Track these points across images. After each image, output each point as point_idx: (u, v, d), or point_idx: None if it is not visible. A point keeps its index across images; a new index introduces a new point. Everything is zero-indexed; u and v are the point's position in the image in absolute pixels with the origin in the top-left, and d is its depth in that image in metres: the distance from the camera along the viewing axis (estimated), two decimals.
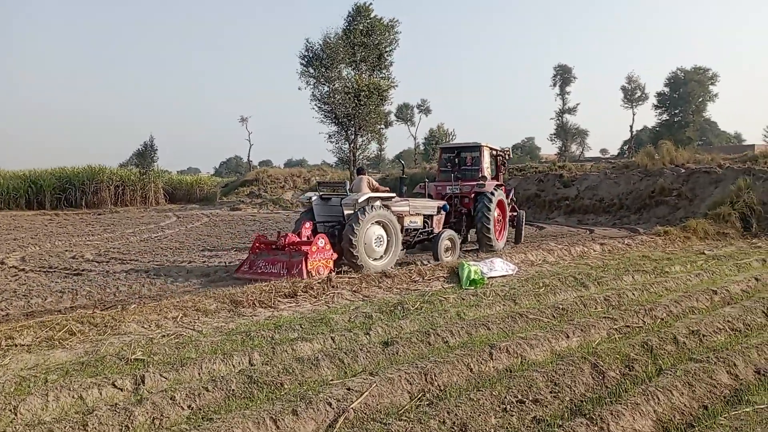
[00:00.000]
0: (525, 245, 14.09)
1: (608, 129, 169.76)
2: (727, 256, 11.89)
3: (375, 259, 10.68)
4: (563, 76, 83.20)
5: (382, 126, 54.49)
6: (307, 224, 10.64)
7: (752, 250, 12.94)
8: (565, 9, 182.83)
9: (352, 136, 38.51)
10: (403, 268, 9.77)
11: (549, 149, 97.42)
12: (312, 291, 8.10)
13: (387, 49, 38.84)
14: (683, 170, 22.76)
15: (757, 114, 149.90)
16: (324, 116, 37.70)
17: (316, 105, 37.67)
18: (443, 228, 12.73)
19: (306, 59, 36.80)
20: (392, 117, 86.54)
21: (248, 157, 69.81)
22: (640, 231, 19.06)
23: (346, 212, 10.61)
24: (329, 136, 38.73)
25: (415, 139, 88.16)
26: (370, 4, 38.18)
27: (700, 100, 71.03)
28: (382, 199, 11.01)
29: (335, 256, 10.27)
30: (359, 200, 10.52)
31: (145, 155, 39.28)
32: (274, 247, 10.35)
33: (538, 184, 27.21)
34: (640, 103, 77.79)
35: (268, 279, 9.06)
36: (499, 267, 10.22)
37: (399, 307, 7.41)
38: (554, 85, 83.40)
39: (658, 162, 24.31)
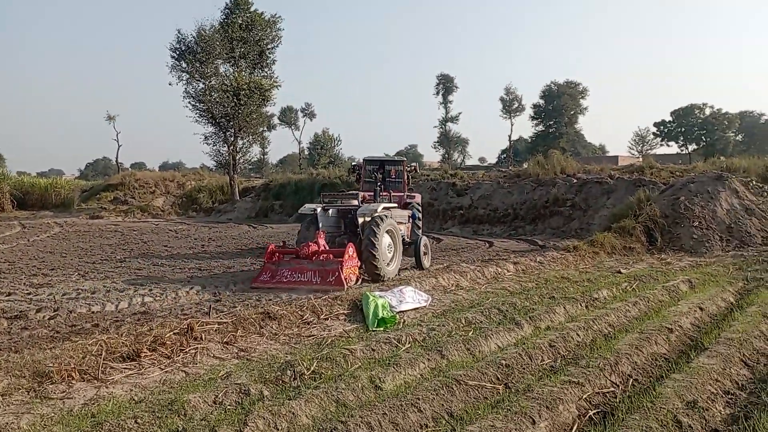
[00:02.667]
0: (432, 265, 12.40)
1: (485, 138, 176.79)
2: (648, 277, 10.94)
3: (387, 265, 10.89)
4: (446, 85, 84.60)
5: (265, 128, 51.74)
6: (321, 233, 10.84)
7: (666, 268, 12.18)
8: (449, 17, 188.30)
9: (231, 138, 35.47)
10: (292, 305, 7.62)
11: (432, 157, 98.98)
12: (164, 348, 5.74)
13: (269, 46, 36.25)
14: (575, 180, 22.50)
15: (619, 127, 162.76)
16: (199, 115, 34.39)
17: (189, 103, 34.30)
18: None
19: (178, 52, 33.34)
20: (275, 120, 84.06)
21: (116, 158, 63.67)
22: (538, 243, 18.28)
23: (360, 221, 11.19)
24: (205, 137, 35.45)
25: (300, 143, 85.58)
26: None
27: (572, 112, 74.93)
28: (388, 208, 11.78)
29: (359, 263, 10.49)
30: (378, 210, 11.02)
31: None
32: (297, 256, 10.38)
33: (431, 193, 26.01)
34: (517, 114, 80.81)
35: (297, 288, 9.59)
36: (409, 298, 8.38)
37: (288, 371, 5.30)
38: (437, 93, 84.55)
39: (550, 171, 23.99)
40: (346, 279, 9.71)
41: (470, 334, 6.74)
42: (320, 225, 11.30)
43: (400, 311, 7.97)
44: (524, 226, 21.94)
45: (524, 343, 6.38)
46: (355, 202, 11.83)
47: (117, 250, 16.88)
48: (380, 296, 8.04)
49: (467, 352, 6.19)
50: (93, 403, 4.57)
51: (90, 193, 39.39)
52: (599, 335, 6.90)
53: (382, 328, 7.21)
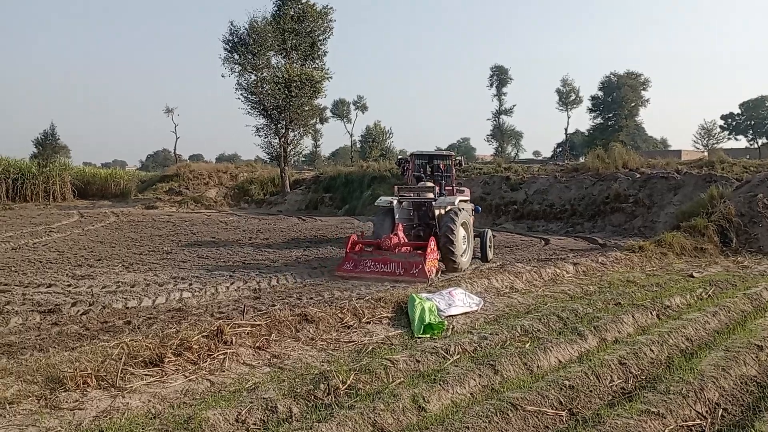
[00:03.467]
0: (488, 269, 11.65)
1: (540, 131, 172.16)
2: (725, 282, 9.89)
3: (462, 256, 11.30)
4: (500, 77, 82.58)
5: (316, 120, 51.65)
6: (400, 226, 11.28)
7: (744, 273, 11.05)
8: (504, 7, 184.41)
9: (283, 130, 35.40)
10: (332, 306, 7.07)
11: (484, 150, 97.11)
12: (190, 353, 5.29)
13: (320, 37, 35.93)
14: (638, 175, 21.16)
15: (681, 120, 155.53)
16: (251, 107, 34.50)
17: (242, 95, 34.40)
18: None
19: (230, 44, 33.42)
20: (328, 113, 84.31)
21: (174, 150, 65.07)
22: (598, 241, 17.24)
23: (437, 213, 11.76)
24: (257, 129, 35.50)
25: (351, 136, 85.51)
26: None
27: (632, 104, 71.75)
28: (463, 201, 12.48)
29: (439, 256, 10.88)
30: (455, 202, 11.75)
31: (45, 145, 34.59)
32: (380, 248, 10.77)
33: (484, 187, 25.10)
34: (574, 106, 78.02)
35: (380, 278, 10.10)
36: (459, 301, 7.70)
37: (322, 385, 4.74)
38: (491, 85, 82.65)
39: (611, 165, 22.68)
40: (428, 271, 10.15)
41: (527, 345, 6.03)
42: (396, 217, 11.68)
43: (449, 316, 7.31)
44: (582, 223, 20.79)
45: (589, 359, 5.62)
46: (431, 195, 11.89)
47: (165, 240, 16.84)
48: (428, 298, 7.41)
49: (524, 367, 5.49)
50: (105, 416, 4.13)
51: (147, 184, 40.17)
52: (676, 351, 6.06)
53: (428, 335, 6.58)
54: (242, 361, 5.42)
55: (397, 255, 10.56)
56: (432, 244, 10.66)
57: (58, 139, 35.39)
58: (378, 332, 6.56)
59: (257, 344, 5.79)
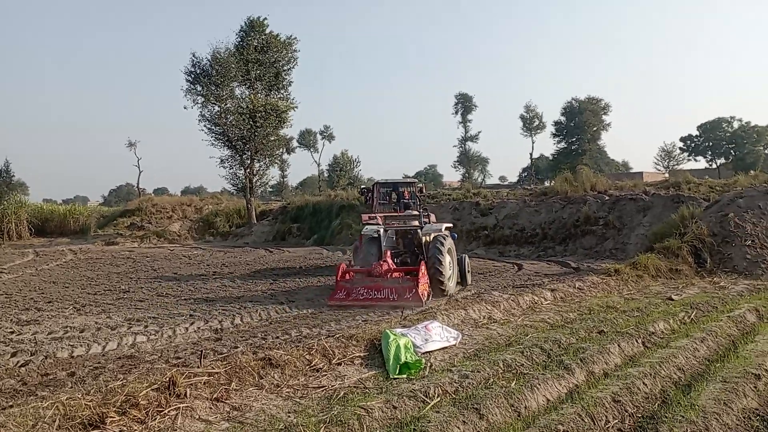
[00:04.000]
0: (464, 298, 11.21)
1: (506, 157, 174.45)
2: (705, 304, 9.64)
3: (449, 281, 11.50)
4: (464, 104, 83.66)
5: (283, 151, 51.14)
6: (388, 252, 11.53)
7: (723, 294, 10.84)
8: (467, 36, 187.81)
9: (248, 161, 34.76)
10: (300, 348, 6.50)
11: (451, 176, 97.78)
12: (137, 410, 4.66)
13: (285, 67, 35.67)
14: (607, 197, 21.17)
15: (641, 143, 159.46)
16: (215, 138, 33.80)
17: (205, 126, 33.74)
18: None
19: (193, 75, 32.87)
20: (294, 143, 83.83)
21: (137, 184, 63.51)
22: (572, 265, 17.02)
23: (424, 240, 12.14)
24: (221, 160, 34.80)
25: (318, 165, 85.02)
26: (265, 19, 35.01)
27: (594, 129, 73.22)
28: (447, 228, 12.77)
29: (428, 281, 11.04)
30: (442, 229, 12.18)
31: None
32: (371, 275, 10.90)
33: (453, 213, 24.81)
34: (538, 131, 79.25)
35: (374, 305, 10.21)
36: (436, 335, 7.22)
37: None
38: (456, 113, 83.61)
39: (579, 188, 22.66)
40: (421, 294, 10.37)
41: (512, 384, 5.55)
42: (383, 245, 12.03)
43: (426, 352, 6.82)
44: (554, 247, 20.61)
45: (581, 397, 5.17)
46: (416, 223, 12.40)
47: (123, 278, 16.00)
48: (403, 334, 6.91)
49: (511, 409, 5.00)
50: None
51: (107, 219, 38.89)
52: (670, 384, 5.67)
53: (405, 375, 6.06)
54: (198, 417, 4.81)
55: (390, 281, 10.76)
56: (423, 268, 10.88)
57: (13, 175, 34.00)
58: (350, 374, 6.01)
59: (215, 395, 5.19)
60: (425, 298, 10.41)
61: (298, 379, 5.78)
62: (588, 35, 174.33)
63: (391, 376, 6.02)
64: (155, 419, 4.63)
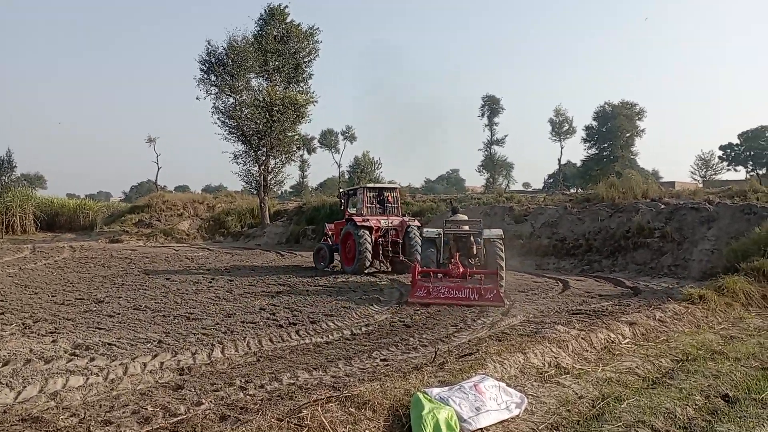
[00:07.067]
0: (512, 328, 8.79)
1: (530, 163, 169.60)
2: None
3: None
4: (491, 107, 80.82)
5: (301, 148, 48.99)
6: (457, 255, 12.20)
7: None
8: (497, 39, 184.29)
9: (263, 158, 32.62)
10: (284, 422, 4.18)
11: (475, 181, 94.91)
12: None
13: (305, 59, 33.40)
14: (663, 206, 18.52)
15: (673, 152, 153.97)
16: (228, 132, 31.72)
17: (218, 119, 31.68)
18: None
19: (207, 64, 30.83)
20: (315, 143, 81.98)
21: (156, 180, 61.95)
22: (626, 283, 14.51)
23: (475, 246, 12.86)
24: (235, 156, 32.71)
25: (339, 166, 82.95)
26: (286, 7, 32.82)
27: (628, 134, 69.92)
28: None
29: None
30: (500, 233, 12.97)
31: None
32: (448, 275, 11.66)
33: (484, 218, 22.29)
34: (568, 136, 76.02)
35: (455, 304, 10.71)
36: (491, 400, 4.84)
37: None
38: (482, 115, 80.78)
39: (629, 195, 20.05)
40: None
41: None
42: (439, 246, 12.89)
43: (478, 429, 4.47)
44: (600, 261, 18.04)
45: None
46: (467, 228, 13.42)
47: (106, 283, 13.89)
48: (441, 399, 4.57)
49: None
50: None
51: (115, 216, 37.12)
52: None
53: None
54: None
55: (471, 281, 11.32)
56: (499, 271, 11.58)
57: (15, 165, 32.32)
58: None
59: None
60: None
61: None
62: (623, 38, 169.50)
63: None
64: None
